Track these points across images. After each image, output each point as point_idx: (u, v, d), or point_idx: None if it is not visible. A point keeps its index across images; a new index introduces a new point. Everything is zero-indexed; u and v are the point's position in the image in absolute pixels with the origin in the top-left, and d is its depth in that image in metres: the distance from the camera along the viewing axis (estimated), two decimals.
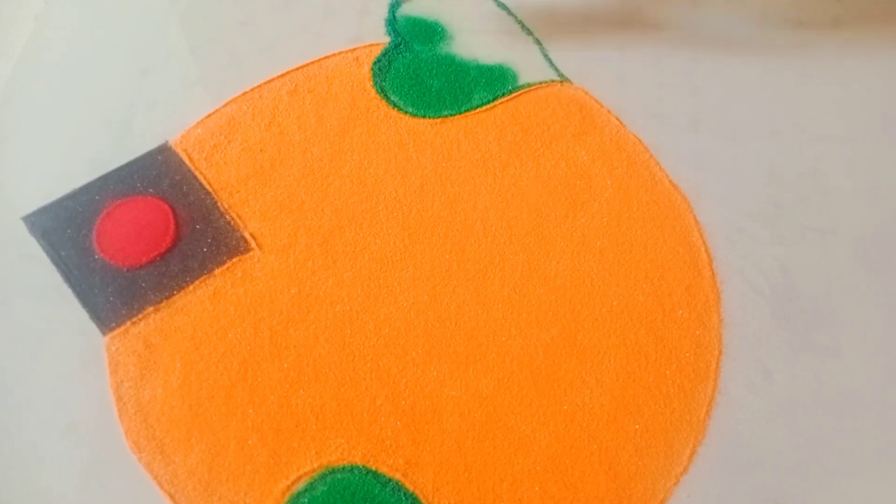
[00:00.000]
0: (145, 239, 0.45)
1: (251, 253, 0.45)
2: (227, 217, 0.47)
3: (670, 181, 0.49)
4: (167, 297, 0.44)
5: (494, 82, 0.52)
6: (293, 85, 0.52)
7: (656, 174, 0.49)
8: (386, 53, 0.53)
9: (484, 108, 0.51)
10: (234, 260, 0.45)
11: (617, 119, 0.51)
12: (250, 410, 0.41)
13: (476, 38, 0.54)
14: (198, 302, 0.44)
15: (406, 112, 0.51)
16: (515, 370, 0.43)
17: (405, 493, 0.39)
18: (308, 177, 0.48)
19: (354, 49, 0.53)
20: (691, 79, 0.53)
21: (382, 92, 0.52)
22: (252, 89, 0.51)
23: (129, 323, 0.43)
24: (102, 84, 0.52)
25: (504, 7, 0.56)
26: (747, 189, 0.49)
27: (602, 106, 0.51)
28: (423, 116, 0.51)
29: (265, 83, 0.52)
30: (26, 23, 0.55)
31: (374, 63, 0.53)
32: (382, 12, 0.55)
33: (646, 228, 0.47)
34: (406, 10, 0.55)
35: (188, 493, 0.39)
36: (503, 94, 0.52)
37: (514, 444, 0.41)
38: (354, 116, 0.50)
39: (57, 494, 0.39)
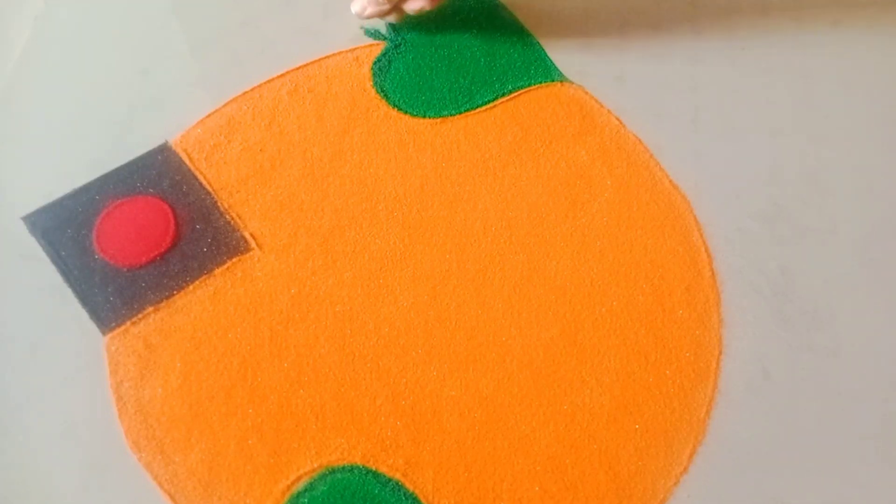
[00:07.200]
0: (145, 239, 0.45)
1: (251, 253, 0.45)
2: (227, 217, 0.47)
3: (670, 181, 0.49)
4: (167, 297, 0.44)
5: (494, 82, 0.52)
6: (293, 85, 0.52)
7: (656, 174, 0.49)
8: (386, 53, 0.53)
9: (484, 108, 0.51)
10: (234, 260, 0.45)
11: (617, 119, 0.51)
12: (250, 410, 0.41)
13: (476, 38, 0.54)
14: (198, 302, 0.44)
15: (406, 112, 0.51)
16: (515, 370, 0.43)
17: (405, 493, 0.39)
18: (308, 177, 0.48)
19: (354, 49, 0.53)
20: (691, 79, 0.53)
21: (383, 92, 0.52)
22: (252, 89, 0.51)
23: (129, 323, 0.43)
24: (102, 84, 0.52)
25: (504, 7, 0.56)
26: (747, 189, 0.49)
27: (602, 106, 0.51)
28: (423, 116, 0.51)
29: (265, 83, 0.52)
30: (26, 23, 0.55)
31: (374, 63, 0.53)
32: None
33: (646, 228, 0.47)
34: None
35: (188, 493, 0.39)
36: (503, 94, 0.52)
37: (514, 444, 0.41)
38: (354, 116, 0.50)
39: (57, 494, 0.39)
